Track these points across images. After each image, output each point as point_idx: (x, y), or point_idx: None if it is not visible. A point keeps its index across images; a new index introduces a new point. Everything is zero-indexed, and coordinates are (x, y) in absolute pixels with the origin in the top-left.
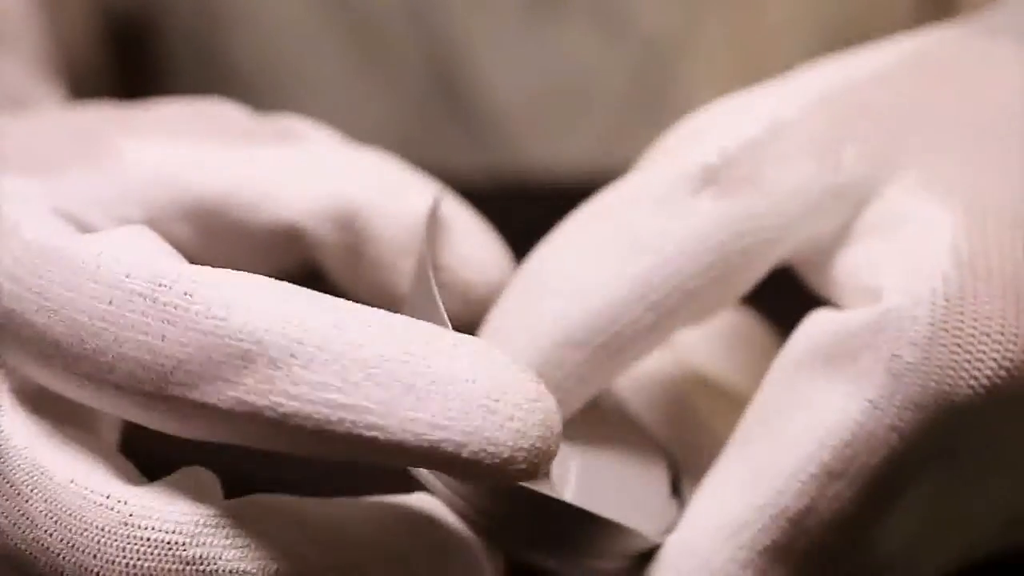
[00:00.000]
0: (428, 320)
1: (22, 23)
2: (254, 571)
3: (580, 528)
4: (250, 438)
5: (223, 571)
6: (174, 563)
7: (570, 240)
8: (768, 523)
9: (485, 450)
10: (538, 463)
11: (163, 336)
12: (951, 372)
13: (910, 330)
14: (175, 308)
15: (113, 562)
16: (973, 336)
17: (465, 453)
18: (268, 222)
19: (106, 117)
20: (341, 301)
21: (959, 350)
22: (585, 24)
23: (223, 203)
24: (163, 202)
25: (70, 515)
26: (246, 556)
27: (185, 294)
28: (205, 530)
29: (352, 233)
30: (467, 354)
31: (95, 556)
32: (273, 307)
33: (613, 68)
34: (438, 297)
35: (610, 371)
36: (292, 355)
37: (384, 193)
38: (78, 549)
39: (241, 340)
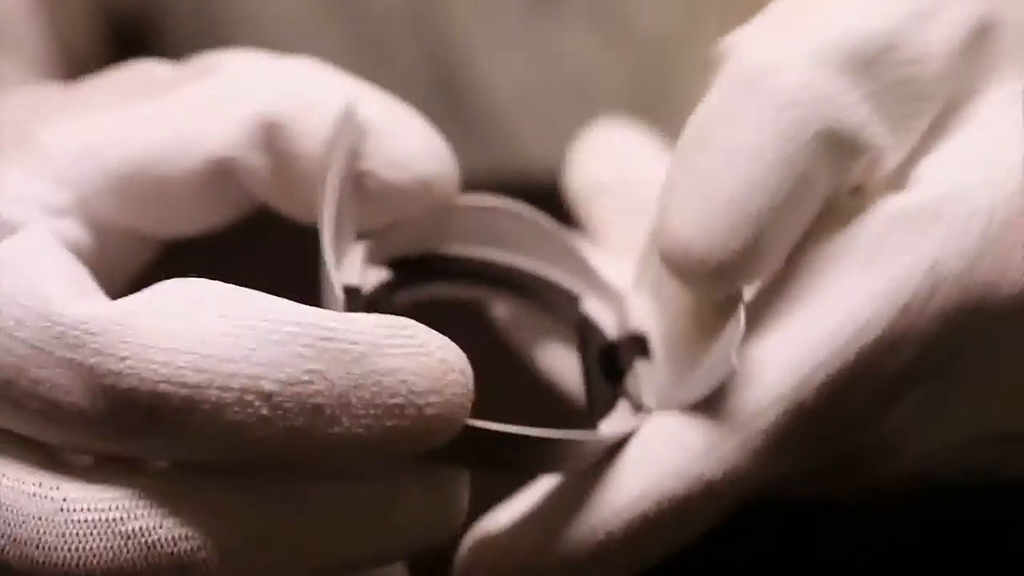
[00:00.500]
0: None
1: (23, 24)
2: (194, 536)
3: (519, 451)
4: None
5: (164, 540)
6: (115, 539)
7: None
8: (782, 413)
9: (403, 440)
10: (455, 423)
11: (59, 400)
12: (999, 268)
13: (969, 218)
14: (69, 364)
15: (55, 548)
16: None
17: (386, 448)
18: (192, 169)
19: (26, 104)
20: (239, 314)
21: (1010, 251)
22: (585, 24)
23: (143, 164)
24: (88, 180)
25: (6, 509)
26: (185, 522)
27: (78, 347)
28: (141, 503)
29: (277, 154)
30: (370, 351)
31: (37, 546)
32: (169, 350)
33: (613, 68)
34: (327, 236)
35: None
36: (197, 402)
37: (300, 107)
38: (20, 542)
39: (142, 395)
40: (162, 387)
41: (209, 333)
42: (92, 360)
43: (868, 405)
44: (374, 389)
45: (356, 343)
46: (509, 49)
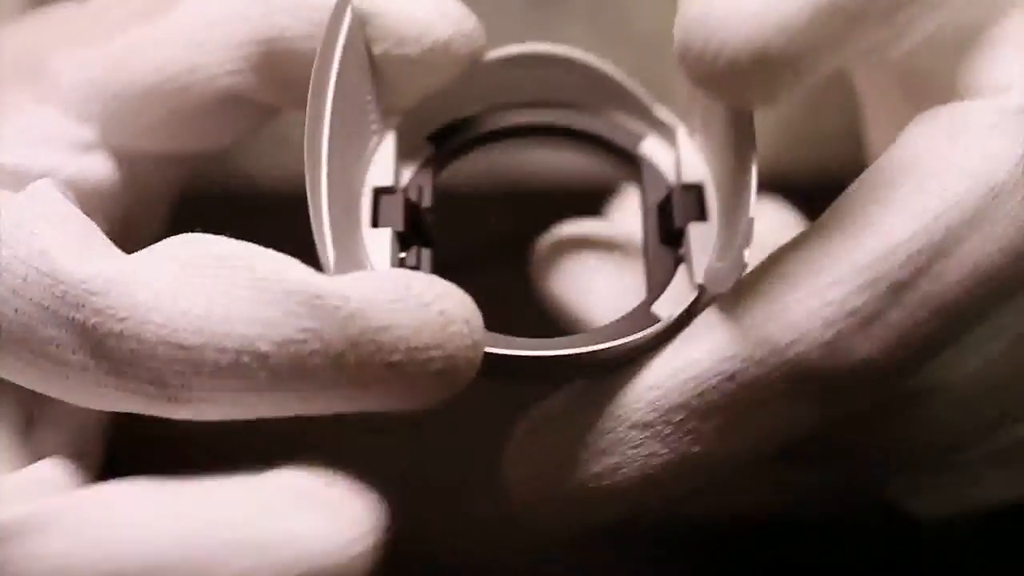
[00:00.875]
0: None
1: None
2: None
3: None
4: None
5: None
6: None
7: None
8: (863, 285)
9: (406, 396)
10: (461, 376)
11: (69, 361)
12: None
13: None
14: (72, 324)
15: None
16: None
17: (388, 404)
18: (201, 94)
19: (40, 31)
20: (232, 274)
21: None
22: (583, 22)
23: (157, 89)
24: (108, 111)
25: None
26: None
27: (80, 306)
28: (48, 520)
29: (282, 71)
30: (365, 308)
31: None
32: (166, 312)
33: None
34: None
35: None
36: (198, 366)
37: (297, 17)
38: None
39: (141, 357)
40: (160, 349)
41: (205, 294)
42: (93, 320)
43: (957, 292)
44: (371, 347)
45: (349, 299)
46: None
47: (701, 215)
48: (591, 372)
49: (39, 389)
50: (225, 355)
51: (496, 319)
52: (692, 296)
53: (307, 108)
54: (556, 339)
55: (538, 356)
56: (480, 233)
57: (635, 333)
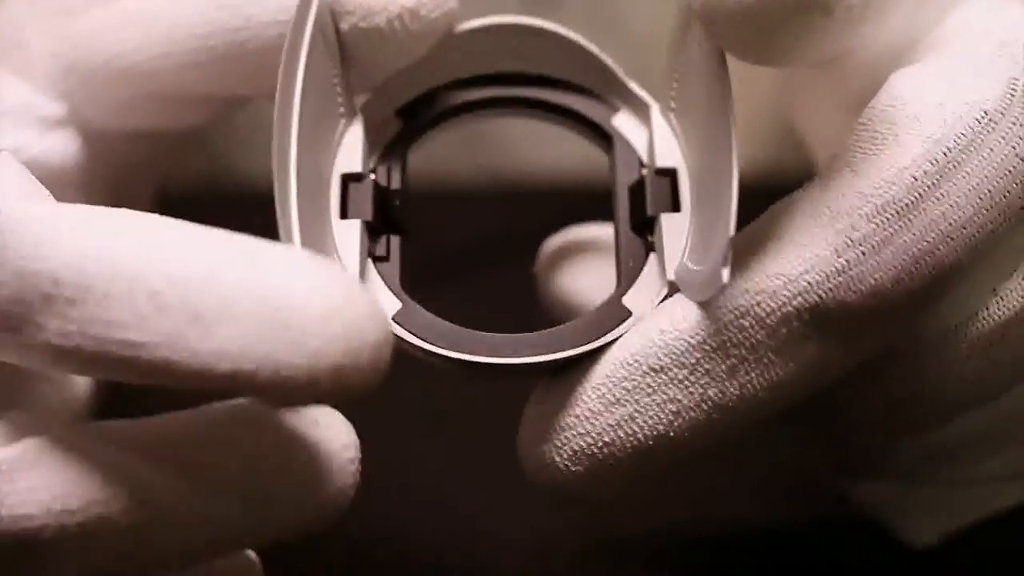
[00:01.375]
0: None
1: None
2: (35, 512)
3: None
4: (87, 371)
5: (6, 517)
6: None
7: None
8: (871, 213)
9: (280, 374)
10: (348, 381)
11: None
12: None
13: None
14: None
15: None
16: None
17: (259, 380)
18: (168, 85)
19: (22, 4)
20: (152, 222)
21: None
22: (579, 24)
23: (120, 77)
24: (78, 88)
25: None
26: (27, 499)
27: (2, 236)
28: None
29: (249, 61)
30: (263, 267)
31: None
32: (77, 242)
33: None
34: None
35: None
36: (87, 292)
37: (263, 4)
38: None
39: (41, 282)
40: (60, 272)
41: (117, 231)
42: (12, 243)
43: (960, 215)
44: (261, 302)
45: (258, 257)
46: None
47: (674, 205)
48: (563, 367)
49: None
50: (118, 285)
51: (489, 313)
52: (663, 291)
53: (276, 100)
54: (526, 338)
55: (506, 364)
56: (475, 230)
57: (607, 330)
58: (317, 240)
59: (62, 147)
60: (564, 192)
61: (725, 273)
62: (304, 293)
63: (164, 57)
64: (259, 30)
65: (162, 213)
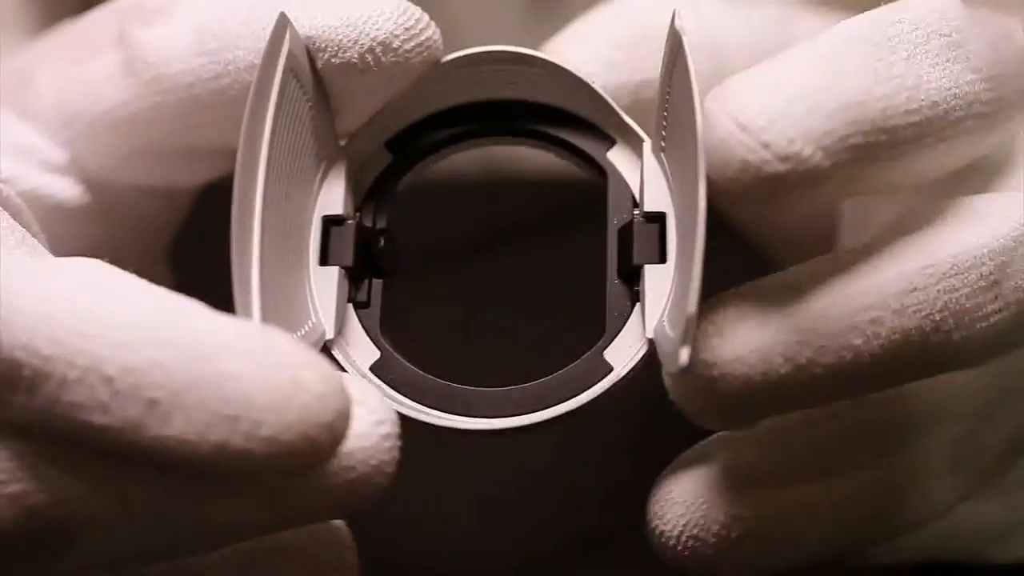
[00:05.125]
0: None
1: None
2: (79, 502)
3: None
4: (62, 440)
5: (46, 504)
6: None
7: None
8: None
9: (239, 460)
10: (309, 459)
11: None
12: None
13: None
14: None
15: None
16: None
17: (219, 466)
18: (167, 142)
19: (40, 47)
20: (112, 299)
21: None
22: None
23: (122, 130)
24: (80, 138)
25: None
26: (69, 488)
27: None
28: (22, 466)
29: (236, 110)
30: (218, 349)
31: None
32: (32, 318)
33: None
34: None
35: None
36: (46, 377)
37: (241, 47)
38: None
39: (1, 360)
40: (17, 353)
41: (74, 310)
42: None
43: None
44: (211, 392)
45: (205, 342)
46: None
47: (661, 254)
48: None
49: None
50: (73, 371)
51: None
52: (643, 349)
53: (239, 147)
54: (507, 394)
55: (480, 430)
56: (471, 223)
57: (588, 385)
58: (288, 293)
59: (58, 190)
60: (561, 185)
61: (684, 354)
62: (255, 382)
63: (158, 107)
64: (239, 75)
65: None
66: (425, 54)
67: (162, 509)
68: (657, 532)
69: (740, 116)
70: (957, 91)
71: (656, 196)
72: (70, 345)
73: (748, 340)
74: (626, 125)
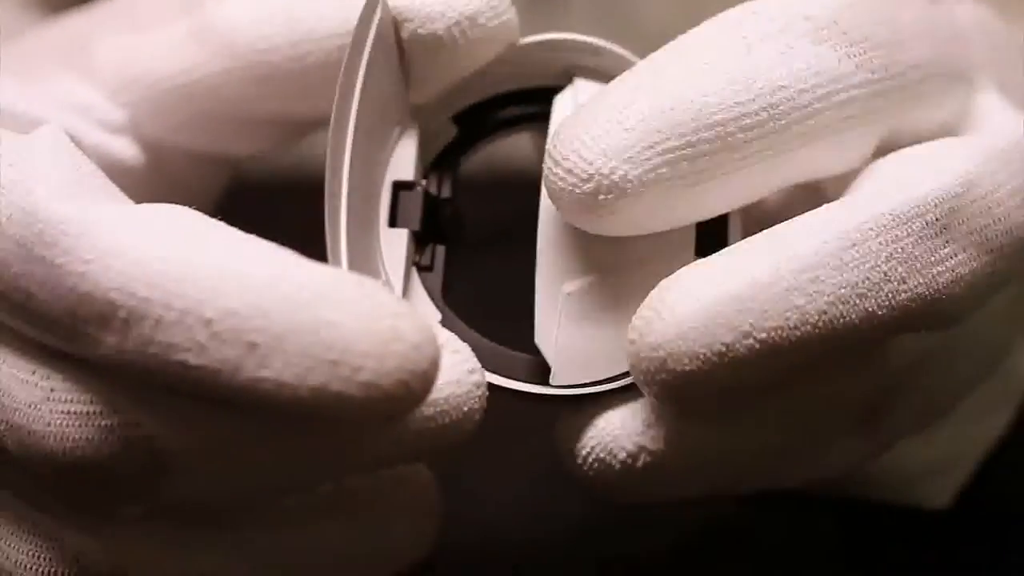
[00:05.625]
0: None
1: None
2: (172, 434)
3: None
4: (146, 382)
5: (141, 435)
6: (95, 432)
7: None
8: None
9: (337, 404)
10: (403, 405)
11: (37, 291)
12: None
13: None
14: (42, 261)
15: (42, 436)
16: None
17: (316, 409)
18: (230, 107)
19: (89, 18)
20: (204, 237)
21: None
22: (586, 20)
23: (183, 96)
24: (140, 103)
25: (4, 395)
26: (164, 420)
27: (52, 245)
28: (121, 398)
29: (306, 79)
30: (317, 298)
31: (28, 432)
32: (129, 262)
33: None
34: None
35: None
36: (141, 317)
37: (321, 16)
38: (14, 427)
39: (95, 301)
40: (113, 295)
41: (170, 255)
42: (61, 259)
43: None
44: (311, 338)
45: (304, 289)
46: None
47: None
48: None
49: (8, 323)
50: (171, 312)
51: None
52: None
53: (334, 104)
54: (573, 359)
55: (540, 394)
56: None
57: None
58: (364, 251)
59: (116, 149)
60: None
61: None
62: (354, 329)
63: (226, 73)
64: (319, 43)
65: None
66: (506, 33)
67: (248, 452)
68: (567, 447)
69: (552, 149)
70: (819, 71)
71: None
72: (168, 288)
73: (687, 317)
74: None
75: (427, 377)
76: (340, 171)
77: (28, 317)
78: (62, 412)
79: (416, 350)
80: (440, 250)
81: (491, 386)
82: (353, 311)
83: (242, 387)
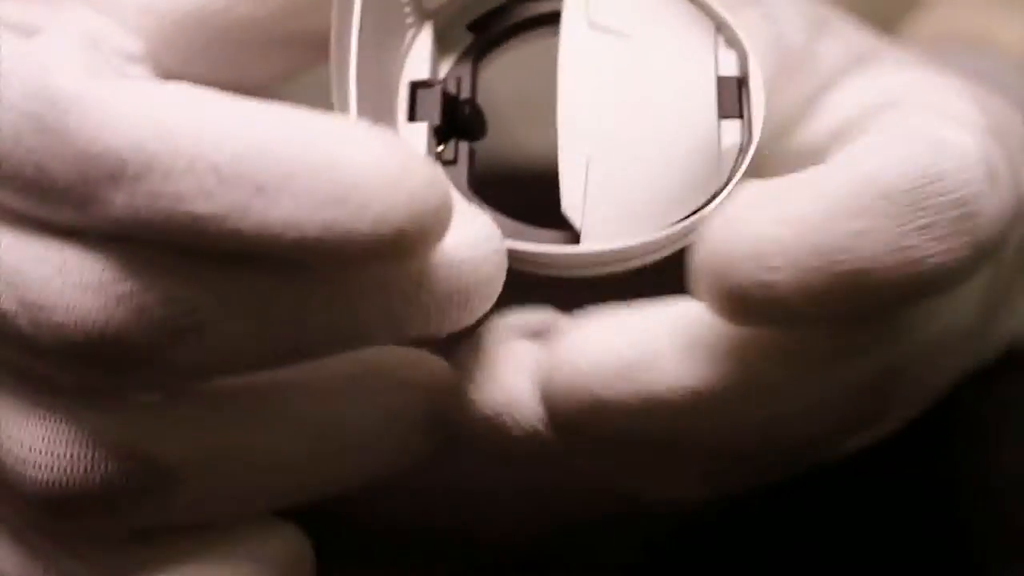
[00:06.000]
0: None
1: None
2: (186, 301)
3: None
4: (155, 242)
5: (155, 303)
6: (107, 301)
7: None
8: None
9: (346, 240)
10: (414, 243)
11: (48, 161)
12: None
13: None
14: (55, 129)
15: (55, 310)
16: None
17: (326, 246)
18: (251, 17)
19: None
20: (210, 97)
21: None
22: None
23: (198, 22)
24: (155, 32)
25: (16, 274)
26: (177, 288)
27: (65, 112)
28: (133, 266)
29: None
30: (323, 139)
31: (40, 308)
32: (138, 119)
33: None
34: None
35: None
36: (151, 169)
37: None
38: (27, 305)
39: (107, 161)
40: (124, 152)
41: (180, 112)
42: (73, 124)
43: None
44: (320, 176)
45: (313, 130)
46: None
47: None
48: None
49: (16, 204)
50: (180, 160)
51: None
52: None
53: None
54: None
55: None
56: None
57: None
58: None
59: (132, 76)
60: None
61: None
62: (364, 165)
63: (234, 10)
64: None
65: None
66: None
67: (264, 310)
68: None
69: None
70: (954, 266)
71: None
72: (177, 138)
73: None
74: (724, 21)
75: (439, 216)
76: (346, 73)
77: (40, 191)
78: (74, 284)
79: (428, 187)
80: (463, 145)
81: (515, 264)
82: (362, 150)
83: (251, 230)
